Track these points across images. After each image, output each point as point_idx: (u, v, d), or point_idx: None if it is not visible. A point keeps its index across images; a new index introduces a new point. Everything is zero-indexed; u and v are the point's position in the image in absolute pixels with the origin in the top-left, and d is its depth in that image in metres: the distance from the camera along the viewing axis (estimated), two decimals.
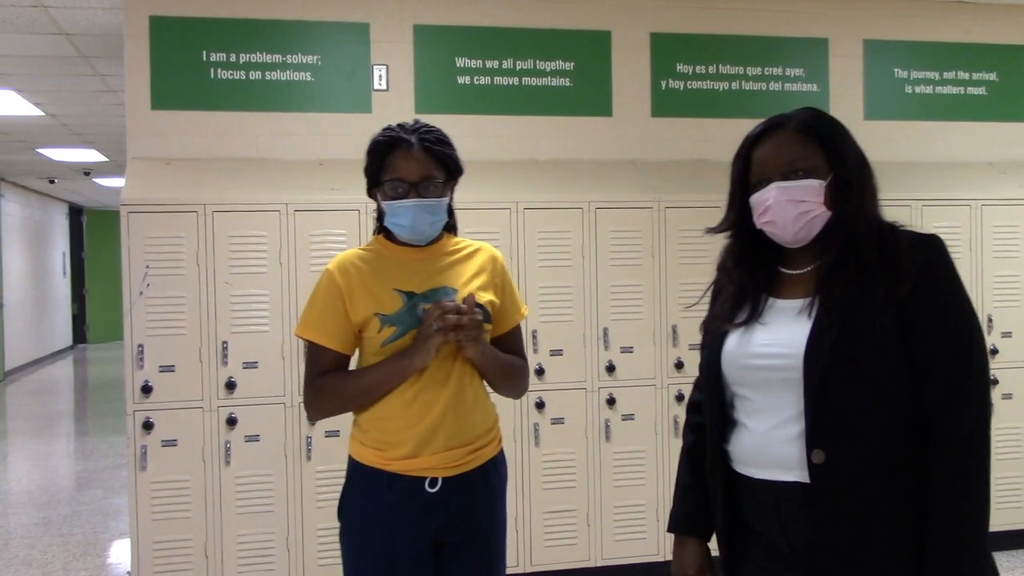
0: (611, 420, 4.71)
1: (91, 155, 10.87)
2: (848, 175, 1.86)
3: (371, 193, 2.50)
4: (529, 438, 4.63)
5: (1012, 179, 5.39)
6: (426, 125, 2.46)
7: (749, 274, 1.95)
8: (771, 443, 1.84)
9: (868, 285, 1.78)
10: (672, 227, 4.79)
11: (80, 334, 18.63)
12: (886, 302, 1.76)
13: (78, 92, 7.35)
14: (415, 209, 2.38)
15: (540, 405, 4.64)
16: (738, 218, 1.96)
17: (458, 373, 2.40)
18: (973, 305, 1.84)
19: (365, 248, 2.51)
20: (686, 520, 2.04)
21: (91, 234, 18.87)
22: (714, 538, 2.01)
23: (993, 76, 5.62)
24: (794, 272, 1.91)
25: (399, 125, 2.45)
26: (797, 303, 1.87)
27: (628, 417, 4.74)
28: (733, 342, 1.92)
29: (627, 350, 4.73)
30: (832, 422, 1.76)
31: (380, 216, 2.51)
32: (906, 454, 1.76)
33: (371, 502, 2.39)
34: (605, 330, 4.72)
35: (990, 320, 5.15)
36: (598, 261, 4.73)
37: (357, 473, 2.45)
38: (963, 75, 5.57)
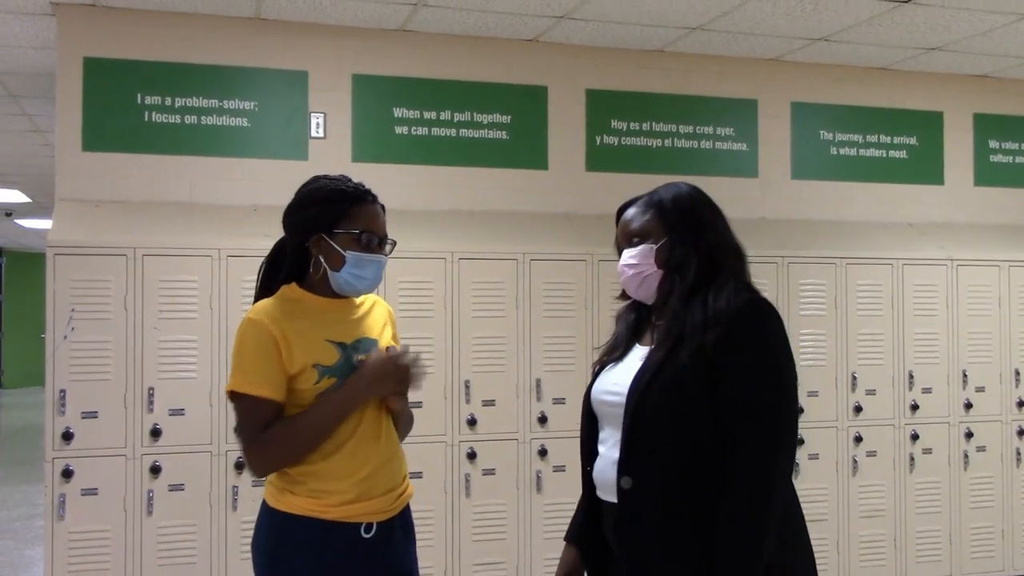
0: (543, 472, 4.71)
1: (14, 196, 10.61)
2: (678, 237, 2.09)
3: (309, 239, 2.39)
4: (460, 489, 4.60)
5: (931, 240, 5.58)
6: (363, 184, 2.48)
7: (630, 324, 2.21)
8: (606, 468, 2.08)
9: (683, 337, 1.99)
10: (605, 280, 4.84)
11: None
12: (694, 353, 1.95)
13: (4, 131, 7.21)
14: (377, 265, 2.41)
15: (472, 456, 4.62)
16: None
17: (385, 420, 2.44)
18: (784, 373, 1.99)
19: (279, 298, 2.41)
20: (575, 531, 2.29)
21: (10, 276, 18.35)
22: None
23: (913, 140, 5.83)
24: (658, 322, 2.13)
25: (345, 178, 2.45)
26: (646, 349, 2.10)
27: (559, 469, 4.74)
28: (598, 380, 2.19)
29: (559, 401, 4.75)
30: (639, 453, 1.99)
31: (296, 262, 2.44)
32: (713, 489, 1.93)
33: (310, 555, 2.31)
34: (538, 381, 4.74)
35: (911, 376, 5.29)
36: (531, 312, 4.76)
37: (289, 527, 2.33)
38: (885, 139, 5.78)
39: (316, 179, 2.46)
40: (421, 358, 2.44)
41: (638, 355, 2.10)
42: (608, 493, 2.08)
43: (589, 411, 2.21)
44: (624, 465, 2.00)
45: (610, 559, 2.14)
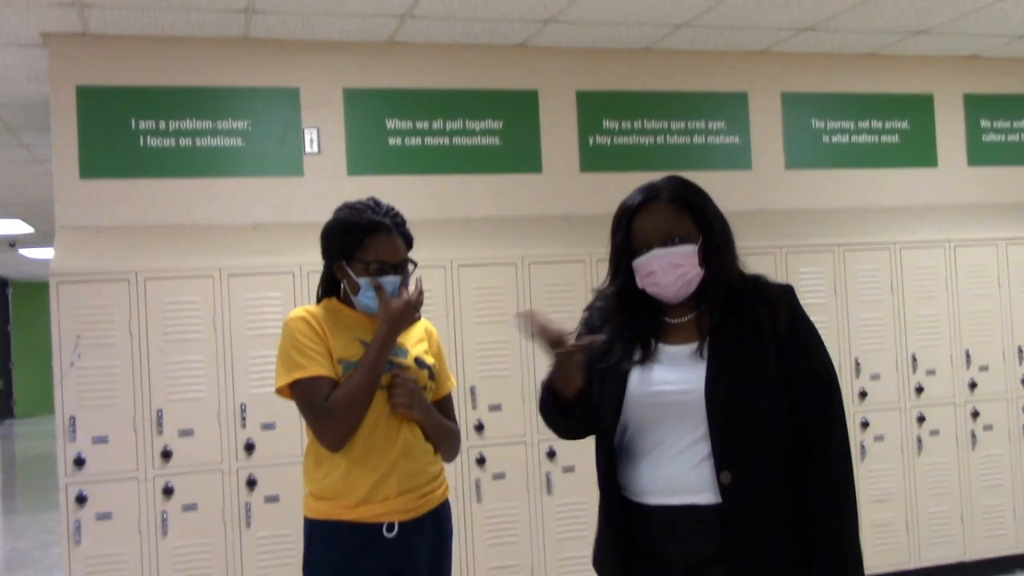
0: (552, 473, 4.73)
1: (17, 226, 10.66)
2: (715, 238, 2.13)
3: (334, 266, 2.58)
4: (471, 494, 4.62)
5: (928, 222, 5.60)
6: (390, 206, 2.61)
7: (642, 322, 2.17)
8: (673, 471, 2.06)
9: (753, 326, 2.07)
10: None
11: (7, 409, 18.12)
12: (770, 339, 2.05)
13: (3, 163, 7.26)
14: (393, 287, 2.53)
15: (481, 461, 4.64)
16: (625, 278, 2.17)
17: (407, 425, 2.53)
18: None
19: (321, 306, 2.61)
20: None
21: (17, 307, 18.44)
22: None
23: (905, 124, 5.85)
24: (676, 321, 2.16)
25: (366, 206, 2.57)
26: (687, 347, 2.11)
27: (568, 469, 4.76)
28: (635, 379, 2.12)
29: None
30: (735, 446, 2.02)
31: (331, 283, 2.62)
32: (792, 466, 2.05)
33: (335, 554, 2.45)
34: None
35: (914, 359, 5.31)
36: None
37: (315, 530, 2.50)
38: (877, 124, 5.80)
39: (341, 208, 2.62)
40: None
41: (681, 353, 2.10)
42: (682, 495, 2.03)
43: (617, 418, 2.12)
44: (721, 460, 2.00)
45: (642, 567, 2.09)
